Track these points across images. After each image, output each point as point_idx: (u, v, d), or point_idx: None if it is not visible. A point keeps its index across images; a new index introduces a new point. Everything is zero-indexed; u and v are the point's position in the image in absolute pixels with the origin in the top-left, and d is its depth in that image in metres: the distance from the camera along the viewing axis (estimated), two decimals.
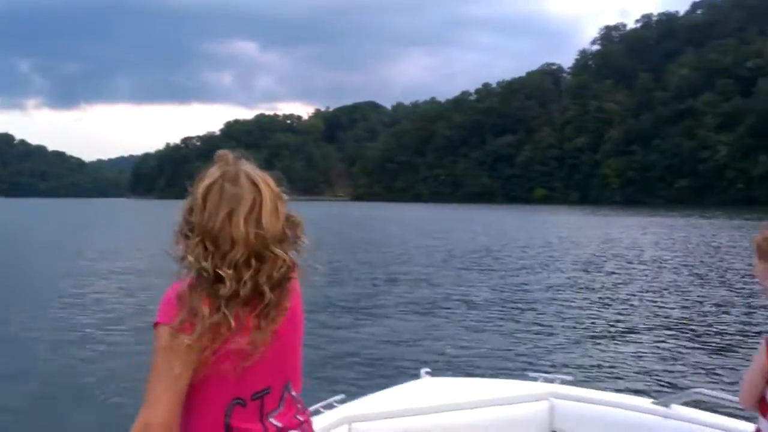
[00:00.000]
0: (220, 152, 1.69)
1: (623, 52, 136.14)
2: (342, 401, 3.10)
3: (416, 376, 3.59)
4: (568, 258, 23.11)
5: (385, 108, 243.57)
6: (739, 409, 2.36)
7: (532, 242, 30.50)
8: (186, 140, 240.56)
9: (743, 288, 15.60)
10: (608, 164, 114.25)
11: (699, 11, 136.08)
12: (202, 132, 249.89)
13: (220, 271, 1.54)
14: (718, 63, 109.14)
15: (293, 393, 1.70)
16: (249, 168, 1.64)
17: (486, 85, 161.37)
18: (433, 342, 10.27)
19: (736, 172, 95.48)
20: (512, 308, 13.16)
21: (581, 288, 15.93)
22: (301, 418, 1.72)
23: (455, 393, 3.29)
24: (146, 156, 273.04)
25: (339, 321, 11.93)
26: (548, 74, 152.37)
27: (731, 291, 15.31)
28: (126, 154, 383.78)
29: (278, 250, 1.60)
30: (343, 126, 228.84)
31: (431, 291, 15.48)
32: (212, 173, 1.63)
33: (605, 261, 22.37)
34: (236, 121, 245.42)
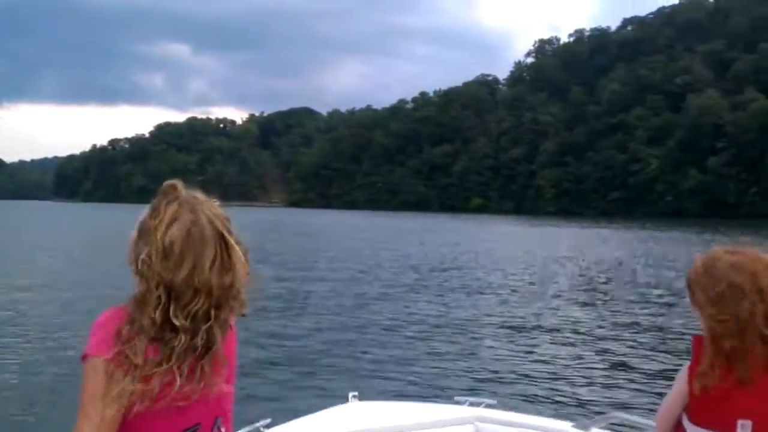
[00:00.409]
0: (170, 184, 1.60)
1: (557, 66, 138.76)
2: (268, 426, 3.04)
3: (344, 399, 3.54)
4: (497, 275, 22.75)
5: (321, 114, 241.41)
6: None
7: (463, 258, 29.63)
8: (113, 142, 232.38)
9: (669, 309, 15.56)
10: (543, 175, 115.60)
11: (629, 28, 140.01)
12: (130, 134, 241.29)
13: (175, 321, 1.48)
14: (648, 79, 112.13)
15: (222, 429, 1.66)
16: (207, 208, 1.57)
17: (423, 94, 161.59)
18: (362, 364, 10.13)
19: (666, 185, 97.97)
20: (442, 329, 13.06)
21: (509, 309, 15.87)
22: None
23: (383, 417, 3.28)
24: (71, 158, 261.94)
25: (265, 341, 11.48)
26: (484, 85, 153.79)
27: (656, 313, 15.25)
28: (50, 156, 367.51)
29: (241, 296, 1.57)
30: (277, 131, 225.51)
31: (360, 311, 15.14)
32: (174, 215, 1.53)
33: (533, 279, 22.04)
34: (167, 124, 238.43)
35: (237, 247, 1.55)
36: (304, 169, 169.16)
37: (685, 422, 2.11)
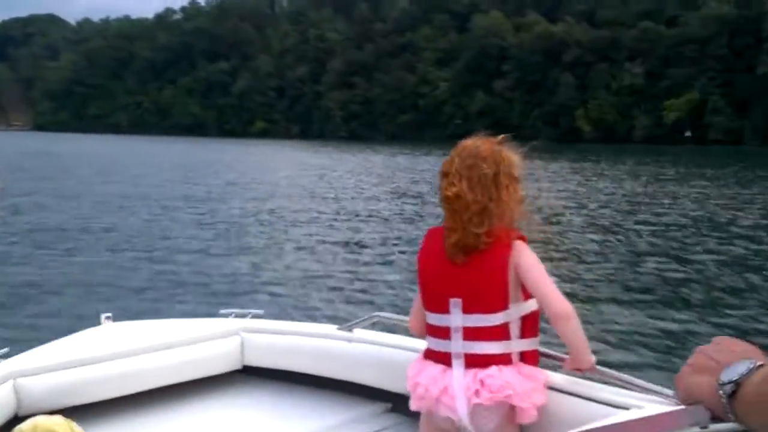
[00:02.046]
0: None
1: None
2: (5, 356, 2.76)
3: (96, 322, 3.23)
4: (261, 194, 22.58)
5: (68, 23, 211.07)
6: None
7: (224, 177, 29.95)
8: None
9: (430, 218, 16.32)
10: (331, 97, 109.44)
11: None
12: None
13: None
14: None
15: None
16: None
17: (193, 4, 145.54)
18: (117, 287, 9.41)
19: (455, 107, 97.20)
20: (200, 243, 12.78)
21: (273, 223, 15.86)
22: None
23: (140, 337, 3.02)
24: None
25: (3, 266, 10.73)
26: None
27: (419, 222, 15.95)
28: None
29: None
30: (15, 41, 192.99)
31: (111, 231, 14.40)
32: None
33: (294, 196, 22.20)
34: None
35: None
36: (53, 85, 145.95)
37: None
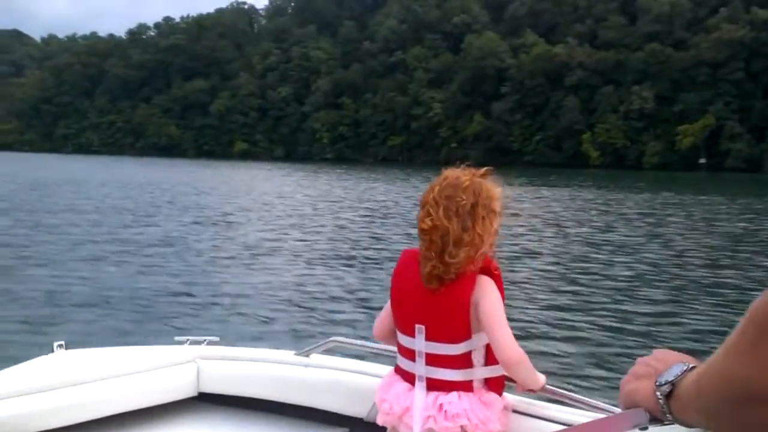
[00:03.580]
0: None
1: None
2: None
3: (48, 350, 3.16)
4: (218, 217, 22.00)
5: (33, 39, 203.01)
6: (372, 352, 2.71)
7: (182, 200, 29.02)
8: None
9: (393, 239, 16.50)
10: (317, 118, 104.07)
11: None
12: None
13: None
14: (424, 16, 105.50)
15: None
16: None
17: (168, 20, 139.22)
18: (68, 313, 9.12)
19: (450, 131, 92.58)
20: (154, 269, 12.40)
21: (230, 248, 15.19)
22: None
23: (94, 365, 2.99)
24: None
25: None
26: (242, 14, 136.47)
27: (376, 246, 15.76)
28: None
29: None
30: None
31: (63, 257, 13.51)
32: None
33: (252, 219, 21.67)
34: None
35: None
36: (18, 104, 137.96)
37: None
